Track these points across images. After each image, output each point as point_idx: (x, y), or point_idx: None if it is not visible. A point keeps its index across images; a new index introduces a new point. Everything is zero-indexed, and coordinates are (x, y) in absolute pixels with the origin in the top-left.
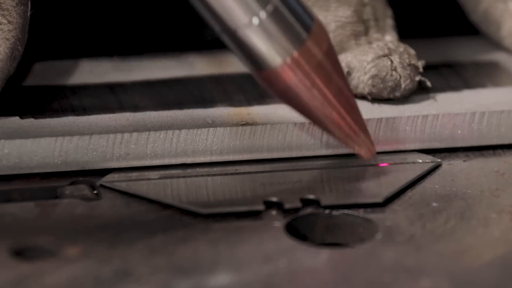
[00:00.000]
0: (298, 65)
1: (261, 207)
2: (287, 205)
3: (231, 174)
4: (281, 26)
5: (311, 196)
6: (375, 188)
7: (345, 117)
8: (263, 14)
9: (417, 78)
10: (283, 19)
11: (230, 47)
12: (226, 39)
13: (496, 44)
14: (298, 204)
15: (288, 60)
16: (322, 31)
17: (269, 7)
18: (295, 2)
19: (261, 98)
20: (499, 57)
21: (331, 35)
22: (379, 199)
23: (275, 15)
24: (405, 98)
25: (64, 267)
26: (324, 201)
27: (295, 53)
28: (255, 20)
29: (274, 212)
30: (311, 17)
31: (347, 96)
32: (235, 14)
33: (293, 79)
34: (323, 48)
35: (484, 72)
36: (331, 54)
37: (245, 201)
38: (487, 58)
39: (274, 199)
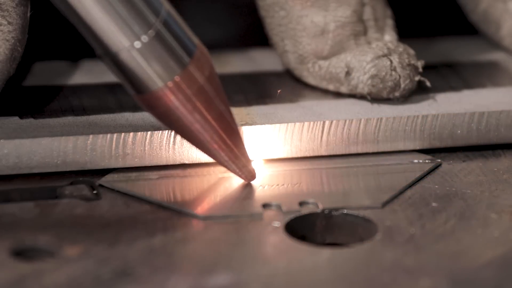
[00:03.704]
0: (179, 89)
1: (259, 211)
2: (286, 209)
3: (230, 174)
4: (163, 50)
5: (310, 200)
6: (374, 191)
7: (226, 141)
8: (145, 38)
9: (417, 78)
10: (165, 44)
11: (111, 70)
12: (107, 61)
13: (496, 44)
14: (297, 208)
15: (170, 83)
16: (204, 56)
17: (151, 32)
18: (177, 27)
19: (261, 98)
20: (498, 57)
21: (330, 35)
22: (378, 204)
23: (157, 39)
24: (404, 98)
25: (63, 267)
26: (323, 205)
27: (177, 77)
28: (137, 44)
29: (273, 212)
30: (194, 42)
31: (228, 121)
32: (117, 37)
33: (174, 102)
34: (205, 73)
35: (483, 72)
36: (213, 79)
37: (244, 204)
38: (487, 58)
39: (273, 202)
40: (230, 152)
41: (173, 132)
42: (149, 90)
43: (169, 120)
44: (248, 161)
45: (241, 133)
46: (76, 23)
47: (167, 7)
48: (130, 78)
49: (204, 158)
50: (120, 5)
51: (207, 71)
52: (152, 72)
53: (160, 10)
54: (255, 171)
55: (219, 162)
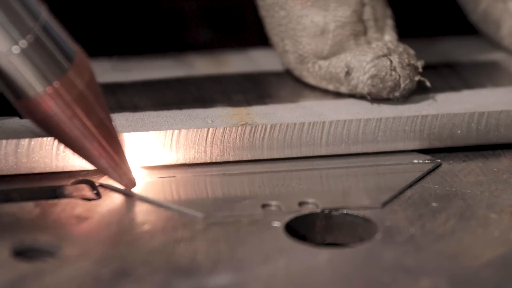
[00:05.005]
0: (58, 94)
1: (259, 211)
2: (286, 209)
3: (231, 174)
4: (42, 55)
5: (310, 200)
6: (374, 191)
7: (106, 148)
8: (23, 43)
9: (417, 78)
10: (44, 49)
11: None
12: None
13: (496, 44)
14: (297, 208)
15: (49, 89)
16: (84, 62)
17: (30, 37)
18: (57, 33)
19: (261, 98)
20: (499, 57)
21: (330, 35)
22: (378, 204)
23: (36, 44)
24: (404, 98)
25: (64, 267)
26: (323, 205)
27: (56, 83)
28: (15, 49)
29: (273, 212)
30: (73, 48)
31: (108, 128)
32: None
33: (53, 108)
34: (84, 78)
35: (483, 72)
36: (93, 85)
37: (244, 204)
38: (487, 58)
39: (273, 202)
40: (111, 159)
41: (172, 132)
42: (28, 96)
43: (48, 127)
44: (128, 168)
45: (122, 141)
46: None
47: (46, 12)
48: (9, 83)
49: (203, 157)
50: None
51: (87, 77)
52: (31, 77)
53: (38, 15)
54: (135, 179)
55: (99, 169)
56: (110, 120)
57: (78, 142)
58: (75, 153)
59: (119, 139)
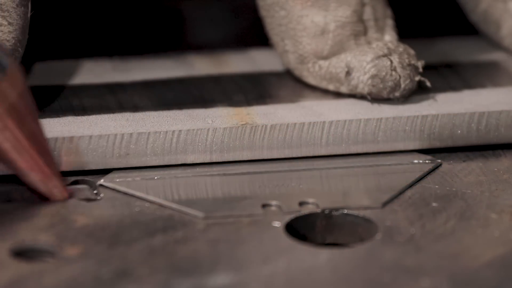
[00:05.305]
0: None
1: (259, 211)
2: (286, 209)
3: (231, 174)
4: None
5: (310, 200)
6: (374, 191)
7: (38, 161)
8: None
9: (417, 78)
10: None
11: None
12: None
13: (496, 44)
14: (297, 208)
15: None
16: (17, 73)
17: None
18: None
19: (261, 98)
20: (499, 57)
21: (330, 35)
22: (378, 204)
23: None
24: (404, 98)
25: (64, 267)
26: (323, 205)
27: None
28: None
29: (273, 212)
30: (6, 59)
31: (40, 140)
32: None
33: None
34: (17, 90)
35: (483, 72)
36: (25, 97)
37: (244, 204)
38: (487, 58)
39: (273, 202)
40: (41, 172)
41: (173, 132)
42: None
43: None
44: (60, 180)
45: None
46: None
47: None
48: None
49: (203, 157)
50: None
51: (20, 88)
52: None
53: None
54: (67, 191)
55: (29, 182)
56: (42, 133)
57: (9, 154)
58: (5, 166)
59: (51, 152)
